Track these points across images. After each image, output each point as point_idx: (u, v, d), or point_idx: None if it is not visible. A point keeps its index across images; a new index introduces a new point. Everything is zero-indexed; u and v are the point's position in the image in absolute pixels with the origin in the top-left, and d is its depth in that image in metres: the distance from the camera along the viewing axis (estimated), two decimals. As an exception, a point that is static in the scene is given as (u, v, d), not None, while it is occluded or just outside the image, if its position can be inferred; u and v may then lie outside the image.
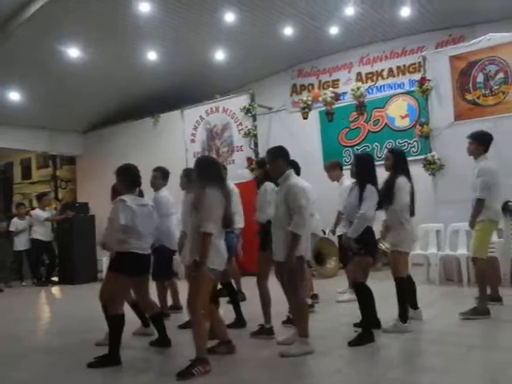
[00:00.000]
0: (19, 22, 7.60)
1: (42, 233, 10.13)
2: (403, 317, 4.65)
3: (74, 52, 8.54)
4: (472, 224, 5.17)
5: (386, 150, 5.52)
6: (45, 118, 11.01)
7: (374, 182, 4.54)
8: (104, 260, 9.02)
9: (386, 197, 4.71)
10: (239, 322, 5.21)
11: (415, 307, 5.03)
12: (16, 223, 10.19)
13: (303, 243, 4.14)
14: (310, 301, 5.72)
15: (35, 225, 10.12)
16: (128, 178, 4.39)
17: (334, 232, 6.52)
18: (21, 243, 10.11)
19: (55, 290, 9.61)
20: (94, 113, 11.59)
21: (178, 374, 3.72)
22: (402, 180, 4.73)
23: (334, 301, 6.31)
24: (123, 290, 4.40)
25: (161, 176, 5.84)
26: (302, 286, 4.38)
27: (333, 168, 6.54)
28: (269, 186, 4.99)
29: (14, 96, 9.63)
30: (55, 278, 10.24)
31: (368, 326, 4.45)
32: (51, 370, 4.27)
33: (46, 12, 7.36)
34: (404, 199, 4.70)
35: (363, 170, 4.60)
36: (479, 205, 5.05)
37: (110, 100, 10.90)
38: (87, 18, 7.75)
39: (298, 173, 5.29)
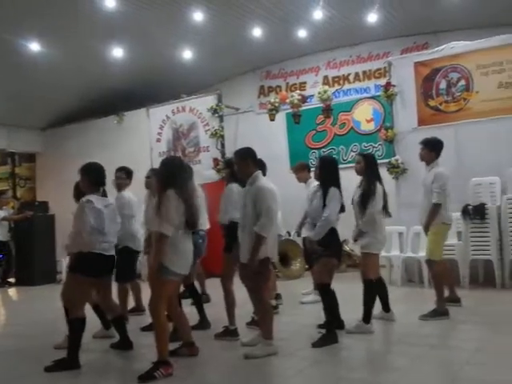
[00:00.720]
0: None
1: (0, 232, 9.83)
2: (366, 318, 4.71)
3: (35, 46, 8.28)
4: (427, 228, 5.30)
5: (356, 154, 5.63)
6: (3, 114, 10.66)
7: (338, 185, 4.58)
8: (64, 261, 8.79)
9: (361, 201, 4.79)
10: (203, 323, 5.19)
11: (387, 309, 5.11)
12: None
13: (270, 245, 4.15)
14: (274, 302, 5.75)
15: None
16: (92, 178, 4.31)
17: (299, 233, 6.56)
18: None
19: (12, 291, 9.37)
20: (55, 110, 11.30)
21: (140, 377, 3.68)
22: (376, 184, 4.80)
23: (298, 302, 6.33)
24: (85, 292, 4.32)
25: (124, 176, 5.75)
26: (267, 288, 4.39)
27: (300, 170, 6.57)
28: (235, 187, 4.99)
29: (-30, 91, 9.30)
30: (12, 280, 9.94)
31: (332, 327, 4.48)
32: (7, 375, 4.15)
33: (5, 5, 7.13)
34: (378, 203, 4.77)
35: (327, 173, 4.64)
36: (436, 210, 5.18)
37: (73, 97, 10.66)
38: (50, 11, 7.52)
39: (264, 173, 5.28)
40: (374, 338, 4.59)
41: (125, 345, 4.59)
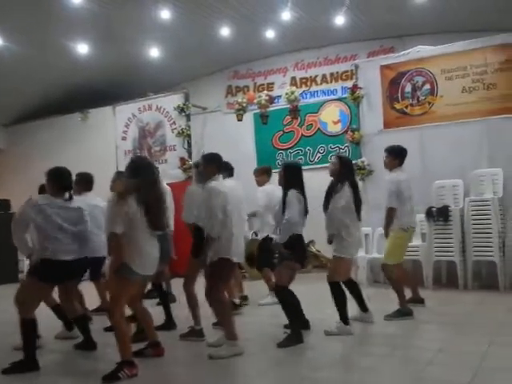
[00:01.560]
0: None
1: None
2: (344, 319, 4.57)
3: None
4: (386, 233, 5.27)
5: (333, 155, 5.51)
6: None
7: (300, 188, 4.50)
8: (25, 260, 8.38)
9: (324, 201, 4.67)
10: (169, 323, 5.04)
11: (365, 309, 4.97)
12: None
13: (228, 245, 4.06)
14: (237, 301, 5.69)
15: None
16: (59, 183, 4.14)
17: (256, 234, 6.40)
18: None
19: None
20: (18, 105, 10.86)
21: (104, 377, 3.58)
22: (345, 188, 4.65)
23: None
24: (39, 296, 4.16)
25: (80, 182, 5.39)
26: (223, 289, 4.34)
27: (260, 173, 6.40)
28: (195, 188, 4.87)
29: None
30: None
31: (296, 327, 4.39)
32: None
33: None
34: (347, 206, 4.61)
35: (290, 178, 4.55)
36: (389, 214, 5.17)
37: (37, 93, 10.25)
38: (15, 5, 7.22)
39: (231, 174, 5.28)
40: (339, 338, 4.48)
41: (88, 345, 4.44)
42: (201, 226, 4.40)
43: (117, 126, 9.95)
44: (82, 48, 8.57)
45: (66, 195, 4.17)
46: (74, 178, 4.56)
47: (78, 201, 4.34)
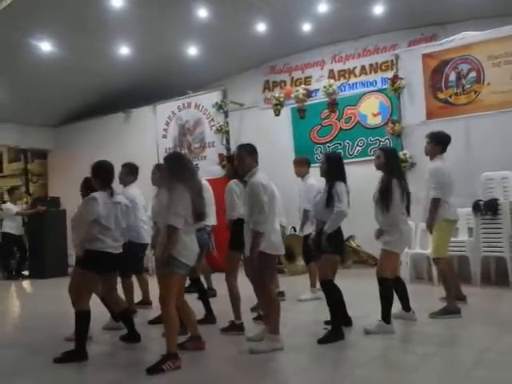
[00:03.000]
0: None
1: (13, 227, 9.66)
2: (386, 318, 4.29)
3: (45, 46, 8.08)
4: (430, 226, 4.90)
5: (377, 148, 5.16)
6: (16, 112, 10.39)
7: (343, 180, 4.34)
8: (74, 255, 8.51)
9: (381, 199, 4.35)
10: (209, 318, 4.95)
11: (408, 309, 4.65)
12: None
13: (272, 240, 3.92)
14: None
15: (6, 219, 9.65)
16: (104, 176, 4.21)
17: (302, 231, 6.04)
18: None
19: (26, 283, 9.20)
20: (65, 107, 10.96)
21: (148, 369, 3.57)
22: (395, 182, 4.34)
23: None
24: (90, 287, 4.19)
25: (129, 172, 5.56)
26: (272, 283, 4.25)
27: (300, 164, 6.14)
28: (234, 183, 4.76)
29: (-15, 91, 9.13)
30: (26, 272, 9.74)
31: (337, 324, 4.17)
32: (18, 366, 4.08)
33: (17, 6, 6.89)
34: (396, 201, 4.30)
35: (332, 168, 4.37)
36: (434, 205, 4.83)
37: (82, 95, 10.30)
38: (59, 11, 7.29)
39: None
40: (381, 336, 4.21)
41: (133, 337, 4.44)
42: (241, 218, 4.31)
43: (157, 124, 9.92)
44: (124, 50, 8.59)
45: (110, 189, 4.23)
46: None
47: (119, 195, 4.43)
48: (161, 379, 3.47)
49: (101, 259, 4.06)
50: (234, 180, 4.82)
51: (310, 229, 5.71)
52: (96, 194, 4.12)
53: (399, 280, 4.63)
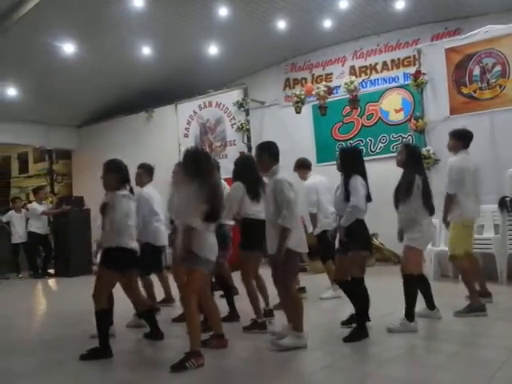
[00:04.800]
0: (15, 18, 7.30)
1: (39, 226, 9.85)
2: (410, 316, 4.25)
3: (68, 48, 8.22)
4: (444, 220, 4.88)
5: (400, 145, 5.08)
6: (41, 112, 10.63)
7: (362, 174, 4.28)
8: (98, 254, 8.67)
9: (400, 194, 4.31)
10: (232, 315, 4.97)
11: (432, 307, 4.61)
12: (11, 216, 9.83)
13: (294, 237, 3.90)
14: None
15: (32, 218, 9.84)
16: (120, 176, 4.20)
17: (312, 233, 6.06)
18: (18, 236, 9.78)
19: (51, 282, 9.39)
20: (88, 107, 11.15)
21: (172, 366, 3.59)
22: (416, 178, 4.29)
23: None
24: (109, 285, 4.21)
25: (145, 172, 5.54)
26: (293, 280, 4.21)
27: (296, 167, 6.15)
28: (239, 183, 4.74)
29: (11, 91, 9.35)
30: (51, 271, 9.95)
31: (363, 322, 4.16)
32: (45, 362, 4.12)
33: (41, 9, 7.05)
34: (415, 198, 4.25)
35: (347, 162, 4.35)
36: (448, 200, 4.82)
37: (105, 95, 10.46)
38: (81, 13, 7.44)
39: None
40: (407, 334, 4.18)
41: (156, 335, 4.48)
42: (249, 218, 4.42)
43: (179, 123, 10.00)
44: (145, 50, 8.69)
45: (128, 187, 4.24)
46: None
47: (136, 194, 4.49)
48: (183, 377, 3.48)
49: (119, 255, 4.05)
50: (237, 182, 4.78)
51: (324, 226, 5.81)
52: (119, 192, 4.12)
53: (423, 278, 4.59)
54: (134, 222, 4.23)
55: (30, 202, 10.86)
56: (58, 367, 3.95)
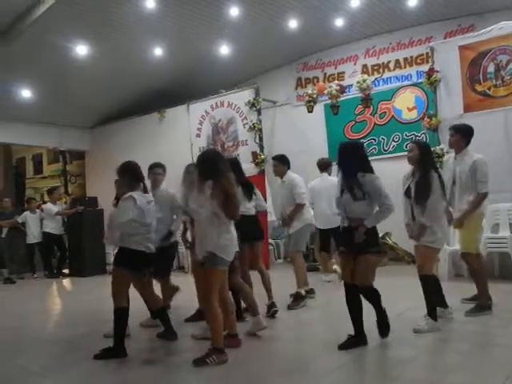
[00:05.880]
0: (29, 21, 7.41)
1: (53, 226, 9.93)
2: (434, 315, 4.21)
3: (81, 49, 8.31)
4: (462, 220, 4.70)
5: (410, 142, 4.89)
6: (55, 114, 10.76)
7: (372, 171, 4.04)
8: (112, 253, 8.73)
9: (417, 193, 4.25)
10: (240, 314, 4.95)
11: (444, 306, 4.58)
12: (26, 217, 9.94)
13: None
14: (303, 292, 5.56)
15: (46, 218, 9.92)
16: (133, 175, 4.23)
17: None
18: (33, 236, 9.88)
19: (66, 281, 9.46)
20: (101, 108, 11.25)
21: (194, 361, 3.70)
22: (432, 174, 4.24)
23: (333, 295, 5.89)
24: (125, 284, 4.23)
25: (163, 172, 5.50)
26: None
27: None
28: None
29: (26, 93, 9.48)
30: (66, 271, 10.05)
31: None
32: (59, 361, 4.21)
33: (54, 11, 7.15)
34: (436, 194, 4.20)
35: (351, 161, 4.06)
36: (481, 199, 4.65)
37: (118, 96, 10.55)
38: (93, 15, 7.51)
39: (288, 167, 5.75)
40: (418, 335, 4.14)
41: (170, 335, 4.52)
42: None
43: (191, 123, 10.02)
44: (157, 51, 8.73)
45: (142, 187, 4.26)
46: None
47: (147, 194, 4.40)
48: (197, 375, 3.53)
49: (134, 256, 4.11)
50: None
51: (325, 224, 6.13)
52: (133, 194, 4.13)
53: (434, 277, 4.54)
54: (150, 223, 4.20)
55: (45, 202, 10.94)
56: (71, 366, 3.99)
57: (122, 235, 4.10)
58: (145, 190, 4.31)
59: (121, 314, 4.11)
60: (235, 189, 3.86)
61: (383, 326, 4.02)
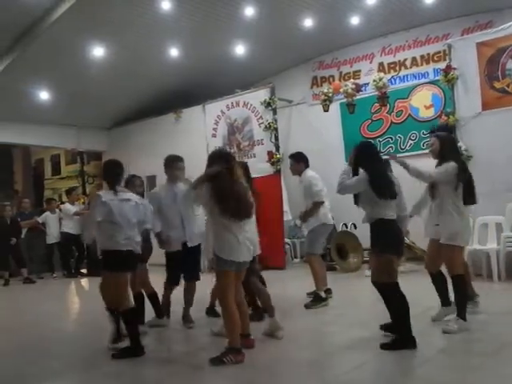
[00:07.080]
0: (47, 24, 7.57)
1: (72, 226, 10.05)
2: (463, 314, 4.13)
3: (99, 51, 8.46)
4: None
5: (431, 135, 4.72)
6: (73, 115, 10.95)
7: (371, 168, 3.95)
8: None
9: (430, 186, 4.21)
10: (257, 315, 4.94)
11: (448, 304, 4.51)
12: (47, 217, 10.12)
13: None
14: (323, 294, 5.54)
15: (65, 219, 10.07)
16: (108, 174, 4.22)
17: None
18: (52, 236, 10.05)
19: (84, 281, 9.60)
20: (118, 109, 11.42)
21: (211, 359, 3.72)
22: (451, 165, 4.08)
23: (352, 295, 6.04)
24: (122, 285, 4.12)
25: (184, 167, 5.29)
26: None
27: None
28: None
29: (44, 95, 9.67)
30: (84, 270, 10.20)
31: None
32: (77, 360, 4.24)
33: (72, 14, 7.29)
34: (455, 188, 4.08)
35: (357, 158, 4.02)
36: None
37: (134, 96, 10.70)
38: (111, 17, 7.64)
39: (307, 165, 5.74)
40: (441, 334, 4.10)
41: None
42: None
43: (207, 123, 10.10)
44: (173, 52, 8.84)
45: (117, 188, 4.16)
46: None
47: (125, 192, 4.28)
48: (211, 374, 3.58)
49: (113, 257, 4.02)
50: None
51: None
52: (101, 192, 4.16)
53: (441, 274, 4.46)
54: (129, 224, 4.07)
55: (63, 203, 11.10)
56: (89, 366, 4.00)
57: (100, 237, 4.05)
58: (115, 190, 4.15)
59: (128, 315, 4.10)
60: (236, 187, 3.74)
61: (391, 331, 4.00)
